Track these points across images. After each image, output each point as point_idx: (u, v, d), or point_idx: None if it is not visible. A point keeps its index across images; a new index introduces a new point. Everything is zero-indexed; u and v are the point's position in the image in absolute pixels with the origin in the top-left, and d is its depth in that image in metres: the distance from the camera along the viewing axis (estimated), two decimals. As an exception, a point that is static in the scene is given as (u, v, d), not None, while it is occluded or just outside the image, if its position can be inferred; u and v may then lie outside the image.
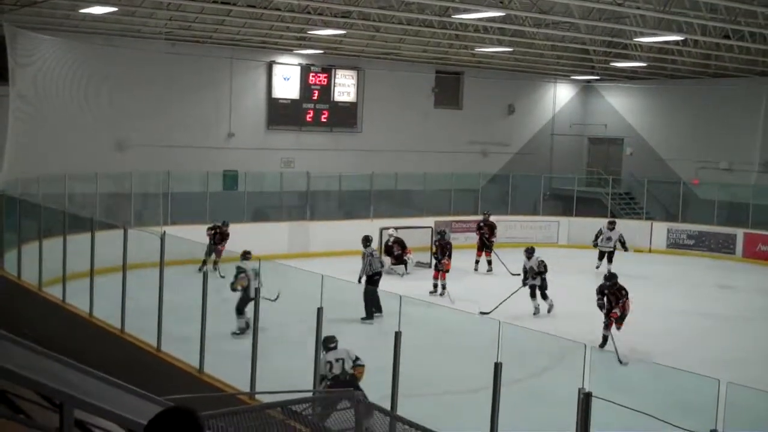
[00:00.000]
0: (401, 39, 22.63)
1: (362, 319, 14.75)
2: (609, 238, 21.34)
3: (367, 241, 16.67)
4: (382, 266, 16.82)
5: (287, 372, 10.07)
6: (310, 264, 15.08)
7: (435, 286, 17.88)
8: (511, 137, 30.69)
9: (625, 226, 26.75)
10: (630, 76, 29.62)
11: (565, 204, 28.76)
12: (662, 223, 26.86)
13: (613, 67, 27.13)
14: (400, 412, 7.40)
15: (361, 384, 8.69)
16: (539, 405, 10.15)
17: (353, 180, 24.77)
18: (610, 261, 20.92)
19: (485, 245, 21.49)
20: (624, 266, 22.69)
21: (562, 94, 32.30)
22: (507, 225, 25.44)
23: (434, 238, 19.37)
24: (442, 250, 17.94)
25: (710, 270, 23.10)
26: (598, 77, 30.66)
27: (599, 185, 30.34)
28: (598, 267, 21.12)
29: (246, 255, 13.79)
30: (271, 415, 5.66)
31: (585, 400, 6.81)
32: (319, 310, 8.73)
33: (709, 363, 11.68)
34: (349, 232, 21.50)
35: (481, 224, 21.78)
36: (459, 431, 9.06)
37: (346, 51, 25.00)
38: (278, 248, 20.47)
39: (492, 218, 22.56)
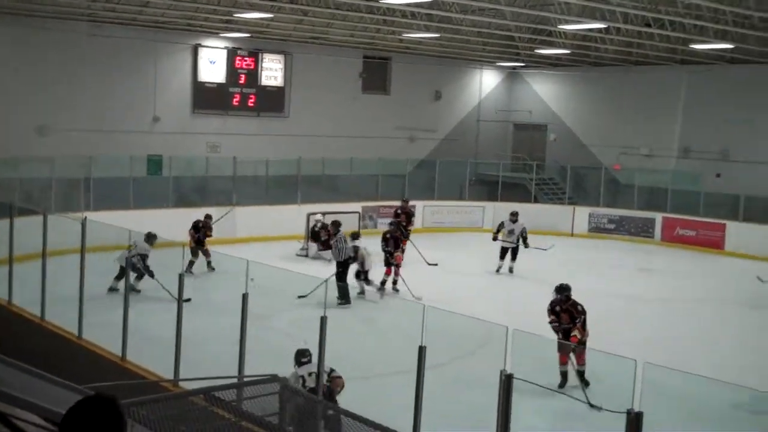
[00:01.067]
0: (329, 23, 22.57)
1: (339, 303, 14.73)
2: (512, 231, 19.39)
3: (336, 226, 16.87)
4: (354, 253, 16.17)
5: (214, 359, 10.03)
6: (237, 249, 15.01)
7: (383, 283, 16.57)
8: (438, 123, 30.92)
9: (548, 211, 27.41)
10: (554, 63, 30.10)
11: (490, 189, 29.16)
12: (584, 207, 27.45)
13: (537, 54, 27.53)
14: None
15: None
16: (464, 388, 10.31)
17: (280, 165, 24.63)
18: (513, 258, 19.40)
19: (401, 232, 20.33)
20: (552, 249, 23.23)
21: (488, 81, 32.64)
22: (433, 210, 25.73)
23: (387, 232, 17.40)
24: (395, 243, 16.77)
25: (630, 253, 23.70)
26: (523, 64, 31.07)
27: (524, 171, 30.79)
28: (499, 269, 19.49)
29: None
30: (194, 402, 5.65)
31: (506, 382, 6.95)
32: (245, 296, 8.70)
33: (628, 344, 12.00)
34: (276, 217, 21.46)
35: (398, 211, 21.11)
36: (385, 414, 9.15)
37: (273, 35, 24.82)
38: (204, 234, 20.34)
39: (413, 204, 22.63)
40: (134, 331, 10.18)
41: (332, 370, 8.53)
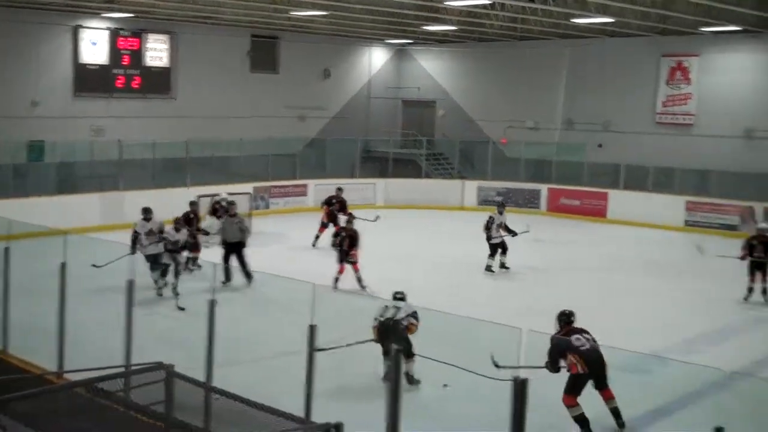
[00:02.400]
0: (216, 2, 22.20)
1: (222, 282, 14.70)
2: (500, 225, 17.58)
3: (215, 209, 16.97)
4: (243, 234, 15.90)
5: (100, 349, 9.85)
6: (125, 236, 14.71)
7: (337, 280, 15.04)
8: (328, 101, 30.88)
9: (438, 186, 27.84)
10: (442, 39, 30.43)
11: (381, 166, 29.41)
12: (473, 181, 27.97)
13: (425, 31, 27.77)
14: (219, 382, 7.40)
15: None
16: (356, 366, 10.42)
17: (168, 148, 24.14)
18: (504, 252, 17.64)
19: (334, 222, 19.25)
20: (440, 225, 23.64)
21: (377, 58, 32.76)
22: (325, 188, 25.72)
23: (343, 229, 15.92)
24: (351, 240, 15.30)
25: (518, 225, 24.24)
26: (411, 41, 31.31)
27: (414, 147, 31.12)
28: (490, 267, 17.52)
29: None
30: (79, 394, 5.57)
31: (396, 356, 7.12)
32: (130, 283, 8.59)
33: (518, 313, 12.39)
34: (165, 200, 21.04)
35: (333, 200, 20.34)
36: (276, 396, 9.20)
37: (158, 14, 24.26)
38: (90, 220, 19.84)
39: (313, 183, 22.63)
40: (17, 323, 9.92)
41: (414, 313, 10.03)
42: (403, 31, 27.98)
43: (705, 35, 25.20)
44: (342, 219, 17.95)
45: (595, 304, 14.22)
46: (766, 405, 8.96)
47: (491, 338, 11.09)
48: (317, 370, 7.67)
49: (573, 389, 8.76)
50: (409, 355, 9.80)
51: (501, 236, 17.49)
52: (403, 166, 29.66)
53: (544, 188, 26.87)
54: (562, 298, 14.72)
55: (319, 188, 25.51)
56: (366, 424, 7.14)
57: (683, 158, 25.39)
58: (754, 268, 15.20)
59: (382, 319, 10.11)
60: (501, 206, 18.41)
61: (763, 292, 15.06)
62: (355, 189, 26.58)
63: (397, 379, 6.98)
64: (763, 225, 15.66)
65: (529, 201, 26.86)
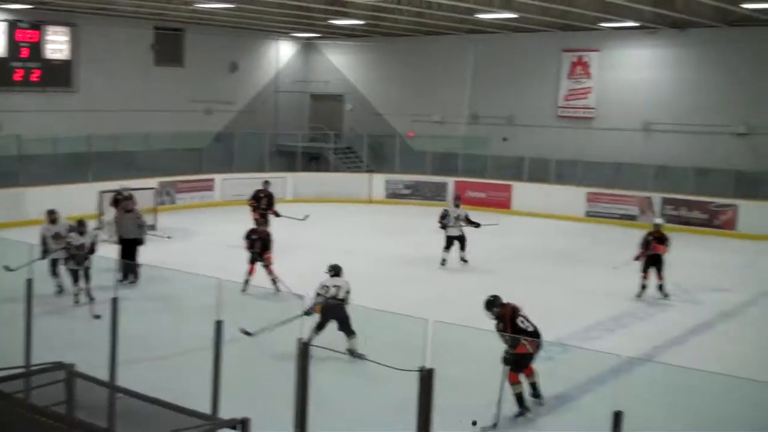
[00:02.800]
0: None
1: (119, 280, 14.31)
2: (458, 217, 17.69)
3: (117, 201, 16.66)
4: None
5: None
6: (26, 232, 14.35)
7: (247, 282, 14.36)
8: (235, 95, 30.58)
9: (347, 179, 27.95)
10: (349, 34, 30.49)
11: (290, 160, 29.33)
12: (381, 175, 28.19)
13: (332, 25, 27.77)
14: (124, 381, 7.32)
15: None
16: (264, 359, 10.43)
17: (70, 142, 23.55)
18: (463, 247, 17.69)
19: (265, 218, 18.27)
20: (351, 216, 23.74)
21: (284, 52, 32.61)
22: (233, 183, 25.57)
23: (254, 231, 15.04)
24: (264, 244, 14.65)
25: (426, 217, 24.53)
26: (319, 35, 31.27)
27: (323, 141, 31.14)
28: (445, 261, 17.70)
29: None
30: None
31: (303, 350, 7.15)
32: (29, 282, 8.40)
33: (424, 303, 12.56)
34: (67, 196, 20.55)
35: (260, 194, 19.61)
36: (183, 394, 9.15)
37: (57, 6, 23.60)
38: (-11, 218, 19.28)
39: (221, 178, 22.34)
40: None
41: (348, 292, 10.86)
42: (310, 24, 27.93)
43: (604, 31, 25.95)
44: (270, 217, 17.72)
45: (499, 293, 14.50)
46: (662, 388, 9.37)
47: (397, 329, 11.34)
48: (226, 366, 7.65)
49: (518, 368, 9.11)
50: (351, 332, 10.68)
51: (460, 228, 17.61)
52: (312, 160, 29.69)
53: (450, 181, 27.25)
54: (467, 289, 15.07)
55: (227, 183, 25.35)
56: (275, 418, 7.17)
57: (584, 151, 26.14)
58: (649, 264, 14.99)
59: (327, 296, 10.80)
60: (457, 199, 18.56)
61: (659, 288, 15.02)
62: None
63: (304, 370, 7.01)
64: (657, 220, 15.79)
65: (436, 194, 27.20)
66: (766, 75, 24.21)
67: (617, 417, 5.87)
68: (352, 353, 10.60)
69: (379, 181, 27.89)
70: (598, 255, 19.06)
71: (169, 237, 18.35)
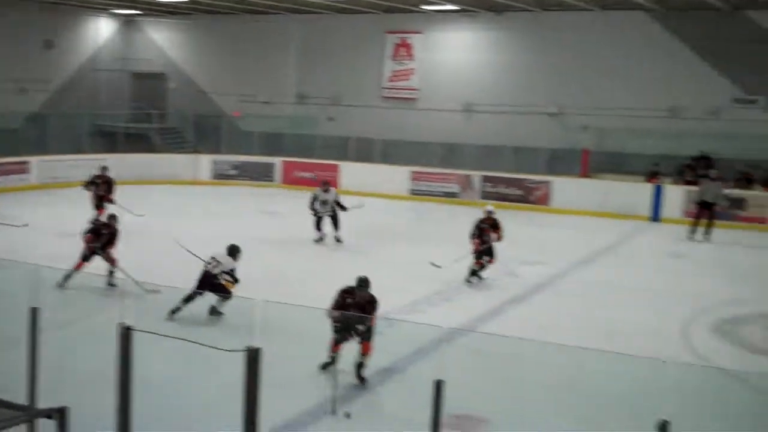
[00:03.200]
0: None
1: None
2: (325, 202, 17.94)
3: None
4: None
5: None
6: None
7: (69, 277, 12.76)
8: (51, 73, 29.16)
9: (172, 160, 27.35)
10: (172, 11, 29.75)
11: (111, 141, 28.36)
12: (207, 155, 27.76)
13: (153, 2, 27.02)
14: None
15: None
16: (85, 346, 10.13)
17: None
18: (336, 227, 17.95)
19: (102, 204, 18.03)
20: (173, 199, 23.27)
21: (104, 29, 31.41)
22: (50, 165, 24.47)
23: (104, 226, 13.55)
24: (111, 239, 13.26)
25: (253, 197, 24.48)
26: (140, 12, 30.31)
27: (146, 121, 30.28)
28: (320, 239, 17.95)
29: None
30: None
31: (125, 335, 7.00)
32: None
33: (258, 283, 12.53)
34: None
35: (97, 180, 18.52)
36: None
37: None
38: None
39: (36, 160, 21.30)
40: None
41: (233, 272, 11.43)
42: (131, 1, 27.03)
43: (426, 13, 26.60)
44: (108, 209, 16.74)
45: (328, 271, 14.71)
46: (483, 356, 9.80)
47: (226, 310, 11.32)
48: (45, 355, 7.37)
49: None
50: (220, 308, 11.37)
51: (328, 212, 17.83)
52: (135, 141, 28.79)
53: (278, 161, 27.22)
54: (298, 269, 15.18)
55: (43, 165, 24.25)
56: (97, 406, 7.00)
57: (408, 131, 26.77)
58: (483, 252, 14.63)
59: (204, 269, 11.38)
60: (325, 185, 18.38)
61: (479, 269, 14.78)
62: (84, 165, 25.46)
63: (126, 355, 6.87)
64: (489, 208, 15.64)
65: (264, 174, 27.11)
66: (575, 58, 25.59)
67: (438, 386, 6.11)
68: (216, 312, 11.39)
69: (205, 162, 27.45)
70: (422, 232, 19.60)
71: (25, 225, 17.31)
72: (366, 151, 26.89)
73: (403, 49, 27.92)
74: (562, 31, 25.81)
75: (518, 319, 12.59)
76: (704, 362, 10.30)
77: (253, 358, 6.32)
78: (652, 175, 23.15)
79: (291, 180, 26.84)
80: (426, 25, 27.47)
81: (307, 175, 26.54)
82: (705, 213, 19.61)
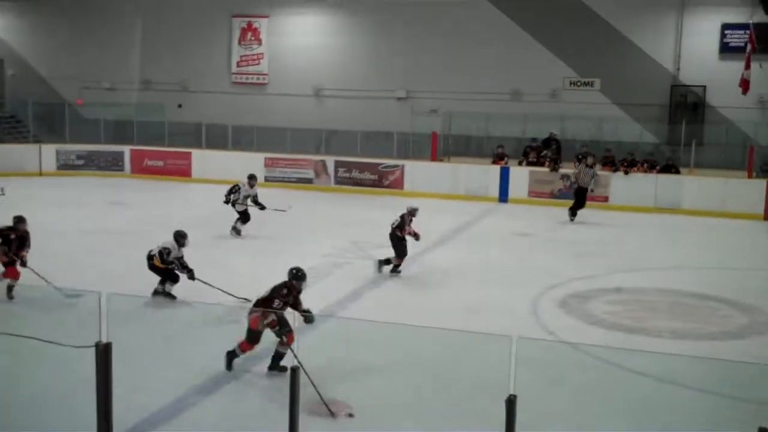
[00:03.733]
0: None
1: None
2: (247, 196, 17.26)
3: None
4: None
5: None
6: None
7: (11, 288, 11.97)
8: None
9: (13, 151, 26.17)
10: (6, -6, 28.39)
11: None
12: (51, 145, 26.62)
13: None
14: None
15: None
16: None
17: None
18: (243, 221, 17.36)
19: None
20: (19, 191, 22.25)
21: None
22: None
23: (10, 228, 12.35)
24: (21, 241, 12.22)
25: (102, 188, 23.72)
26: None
27: (-19, 110, 28.83)
28: (238, 231, 17.36)
29: None
30: None
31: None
32: None
33: (103, 276, 12.20)
34: None
35: None
36: None
37: None
38: None
39: None
40: None
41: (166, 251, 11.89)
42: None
43: (272, -3, 26.49)
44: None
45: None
46: (340, 341, 9.91)
47: (70, 304, 10.99)
48: None
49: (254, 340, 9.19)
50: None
51: (246, 206, 17.23)
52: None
53: (126, 150, 26.44)
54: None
55: None
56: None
57: (260, 116, 26.57)
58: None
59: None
60: (252, 178, 17.60)
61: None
62: None
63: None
64: (413, 205, 15.37)
65: (113, 164, 26.31)
66: (422, 44, 26.12)
67: (294, 372, 6.19)
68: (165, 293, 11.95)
69: (48, 152, 26.29)
70: (278, 219, 19.53)
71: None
72: (218, 138, 26.51)
73: (251, 33, 27.68)
74: (406, 15, 26.26)
75: (374, 301, 12.78)
76: (552, 337, 10.80)
77: (103, 353, 6.19)
78: (498, 158, 23.92)
79: (141, 169, 26.12)
80: (273, 9, 27.34)
81: (158, 163, 25.95)
82: (580, 197, 20.39)
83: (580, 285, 13.53)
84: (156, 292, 11.98)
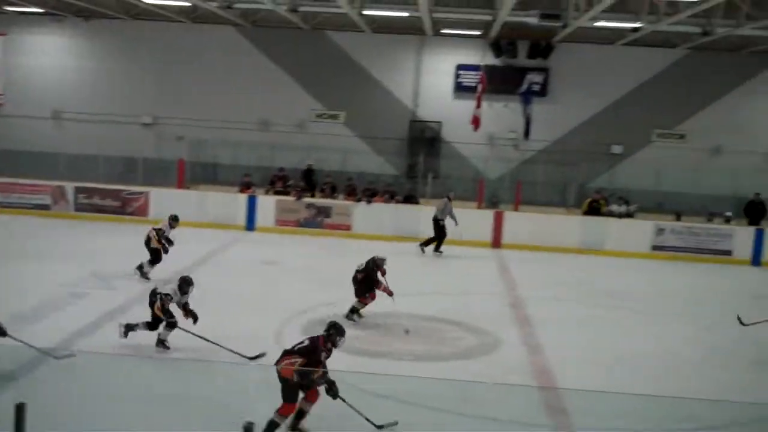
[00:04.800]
0: None
1: None
2: (168, 239, 16.22)
3: None
4: None
5: None
6: None
7: None
8: None
9: None
10: None
11: None
12: None
13: None
14: None
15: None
16: None
17: None
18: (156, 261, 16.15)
19: None
20: None
21: None
22: None
23: None
24: None
25: None
26: None
27: None
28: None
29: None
30: None
31: None
32: None
33: None
34: None
35: None
36: None
37: None
38: None
39: None
40: None
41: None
42: None
43: (10, 14, 25.13)
44: None
45: None
46: (76, 375, 9.58)
47: None
48: None
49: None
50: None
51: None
52: None
53: None
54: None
55: None
56: None
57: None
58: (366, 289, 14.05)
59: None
60: (175, 220, 16.47)
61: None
62: None
63: None
64: (381, 256, 14.74)
65: None
66: (168, 68, 25.87)
67: (19, 409, 5.97)
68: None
69: None
70: (13, 248, 18.47)
71: None
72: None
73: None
74: (153, 41, 25.90)
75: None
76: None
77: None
78: (245, 186, 24.08)
79: None
80: (10, 27, 25.94)
81: None
82: (437, 230, 20.90)
83: (325, 311, 13.95)
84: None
